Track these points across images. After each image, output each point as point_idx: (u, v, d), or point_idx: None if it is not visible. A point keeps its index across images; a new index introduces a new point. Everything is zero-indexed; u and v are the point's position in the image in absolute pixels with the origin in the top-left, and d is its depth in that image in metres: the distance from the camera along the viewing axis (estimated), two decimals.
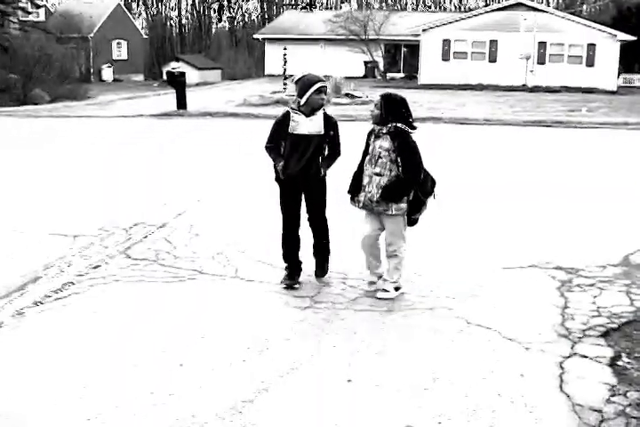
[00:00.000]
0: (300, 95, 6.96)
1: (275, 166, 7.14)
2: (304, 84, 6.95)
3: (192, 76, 46.94)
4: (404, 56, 53.14)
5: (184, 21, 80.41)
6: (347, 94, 31.63)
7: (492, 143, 18.91)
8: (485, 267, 7.92)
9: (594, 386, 5.14)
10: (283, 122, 7.01)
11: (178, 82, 28.59)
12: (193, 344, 5.78)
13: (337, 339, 5.92)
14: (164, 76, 53.84)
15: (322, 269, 7.47)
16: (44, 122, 25.62)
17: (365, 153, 6.88)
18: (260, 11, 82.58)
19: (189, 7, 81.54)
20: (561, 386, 5.13)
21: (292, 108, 7.05)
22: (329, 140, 7.10)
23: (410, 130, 6.69)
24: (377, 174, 6.70)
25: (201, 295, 6.98)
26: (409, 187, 6.69)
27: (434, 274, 7.64)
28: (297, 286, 7.19)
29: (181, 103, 27.59)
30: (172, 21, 79.97)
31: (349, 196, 7.04)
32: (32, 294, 7.05)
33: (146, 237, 9.02)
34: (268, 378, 5.19)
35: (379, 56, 50.04)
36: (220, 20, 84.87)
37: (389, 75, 50.41)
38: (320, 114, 7.00)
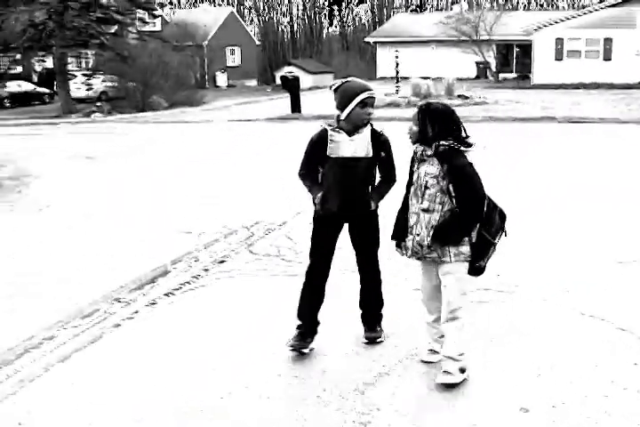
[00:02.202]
0: (341, 108, 5.55)
1: (313, 199, 5.76)
2: (345, 93, 5.53)
3: (305, 80, 47.45)
4: (516, 56, 52.69)
5: (295, 27, 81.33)
6: (459, 95, 31.64)
7: (606, 142, 18.69)
8: (599, 260, 8.00)
9: None
10: (318, 143, 5.60)
11: (292, 86, 29.22)
12: (318, 332, 6.07)
13: None
14: (277, 81, 54.78)
15: (373, 329, 5.95)
16: (164, 127, 26.49)
17: (410, 184, 5.31)
18: (370, 14, 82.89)
19: (300, 13, 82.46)
20: None
21: (329, 125, 5.62)
22: (380, 164, 5.70)
23: (463, 148, 5.12)
24: (425, 211, 5.12)
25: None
26: (469, 224, 5.10)
27: (547, 267, 7.77)
28: (306, 350, 5.75)
29: (296, 107, 28.17)
30: (283, 27, 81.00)
31: (394, 242, 5.45)
32: (163, 287, 7.51)
33: (267, 234, 9.43)
34: (389, 363, 5.47)
35: (490, 57, 49.75)
36: (330, 25, 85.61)
37: (502, 75, 50.04)
38: (366, 131, 5.56)
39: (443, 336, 5.33)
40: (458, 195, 5.04)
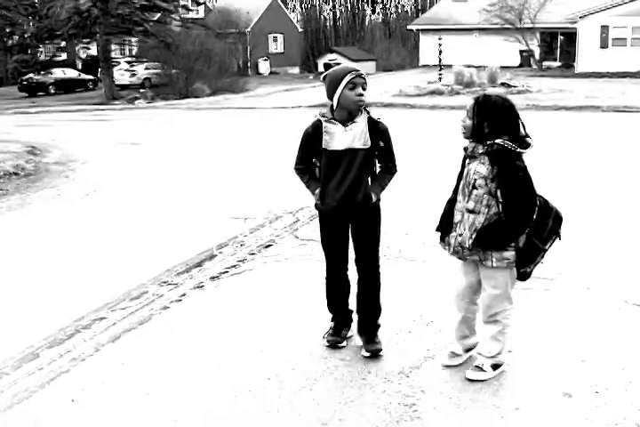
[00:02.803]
0: (330, 95, 5.18)
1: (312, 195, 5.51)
2: (331, 78, 5.15)
3: None
4: (560, 44, 52.20)
5: (338, 14, 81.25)
6: (502, 84, 31.45)
7: None
8: None
9: None
10: (313, 135, 5.26)
11: None
12: (353, 320, 6.12)
13: None
14: (319, 68, 54.88)
15: (373, 341, 5.50)
16: (208, 114, 26.67)
17: (460, 177, 4.99)
18: (413, 1, 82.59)
19: (343, 0, 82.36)
20: None
21: (323, 116, 5.26)
22: (379, 154, 5.34)
23: (519, 149, 4.65)
24: (470, 211, 4.80)
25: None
26: (514, 233, 4.74)
27: (590, 255, 7.77)
28: (343, 344, 5.62)
29: None
30: (325, 14, 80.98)
31: (439, 235, 5.15)
32: (210, 270, 7.63)
33: (312, 219, 9.49)
34: (434, 347, 5.54)
35: (534, 45, 49.30)
36: (373, 12, 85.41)
37: (545, 64, 49.62)
38: (362, 120, 5.19)
39: (466, 337, 5.22)
40: (505, 201, 4.68)
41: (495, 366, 5.05)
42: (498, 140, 4.63)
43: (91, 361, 5.52)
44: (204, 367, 5.35)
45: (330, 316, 5.75)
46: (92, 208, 10.91)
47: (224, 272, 7.55)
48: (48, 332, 6.08)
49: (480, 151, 4.71)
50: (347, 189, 5.25)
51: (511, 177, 4.62)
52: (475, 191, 4.75)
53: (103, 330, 6.10)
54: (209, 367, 5.35)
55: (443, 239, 5.08)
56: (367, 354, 5.44)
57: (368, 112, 5.26)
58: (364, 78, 5.14)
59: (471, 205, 4.77)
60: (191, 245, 8.55)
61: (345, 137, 5.15)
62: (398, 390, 4.90)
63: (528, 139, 4.71)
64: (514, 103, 4.76)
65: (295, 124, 21.68)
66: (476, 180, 4.74)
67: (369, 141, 5.19)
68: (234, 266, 7.75)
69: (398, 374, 5.13)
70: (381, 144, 5.26)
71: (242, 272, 7.56)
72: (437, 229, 5.12)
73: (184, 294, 6.93)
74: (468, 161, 4.86)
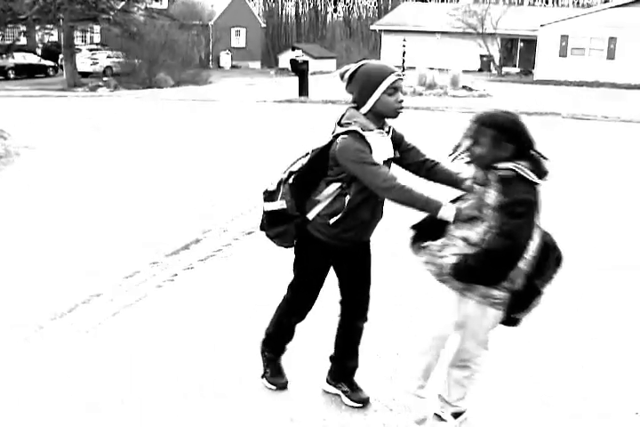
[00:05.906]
0: (363, 97, 4.14)
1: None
2: (367, 79, 4.12)
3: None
4: (520, 51, 53.13)
5: (300, 11, 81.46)
6: (463, 87, 31.98)
7: (612, 138, 19.08)
8: (600, 267, 8.35)
9: None
10: (366, 149, 4.09)
11: (300, 70, 29.64)
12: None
13: None
14: (280, 64, 55.19)
15: (358, 388, 4.74)
16: (173, 105, 26.77)
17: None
18: (375, 2, 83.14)
19: None
20: None
21: (348, 124, 4.13)
22: (409, 156, 4.46)
23: (535, 178, 3.76)
24: (465, 240, 3.90)
25: None
26: (497, 270, 3.80)
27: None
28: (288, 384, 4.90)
29: (303, 90, 28.53)
30: (288, 10, 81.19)
31: (412, 232, 4.24)
32: (197, 253, 7.94)
33: None
34: None
35: (495, 50, 50.14)
36: (335, 11, 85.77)
37: (505, 69, 50.44)
38: (389, 128, 4.32)
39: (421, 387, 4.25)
40: (496, 232, 3.74)
41: (456, 415, 4.34)
42: (510, 165, 3.76)
43: (94, 334, 5.75)
44: (201, 340, 5.62)
45: (260, 349, 5.01)
46: (72, 191, 11.08)
47: (212, 255, 7.84)
48: (48, 305, 6.30)
49: (492, 178, 3.81)
50: (380, 217, 4.46)
51: (510, 211, 3.70)
52: (475, 221, 3.89)
53: (102, 305, 6.34)
54: (206, 341, 5.62)
55: (415, 242, 4.19)
56: (359, 405, 4.68)
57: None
58: (403, 80, 4.19)
59: (469, 233, 3.88)
60: (174, 230, 8.84)
61: (384, 146, 4.24)
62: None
63: (545, 162, 3.85)
64: (522, 121, 3.82)
65: (263, 117, 21.96)
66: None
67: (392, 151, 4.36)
68: (219, 250, 8.04)
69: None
70: (409, 146, 4.45)
71: (229, 256, 7.86)
72: (414, 227, 4.22)
73: (176, 275, 7.19)
74: (478, 188, 3.94)
